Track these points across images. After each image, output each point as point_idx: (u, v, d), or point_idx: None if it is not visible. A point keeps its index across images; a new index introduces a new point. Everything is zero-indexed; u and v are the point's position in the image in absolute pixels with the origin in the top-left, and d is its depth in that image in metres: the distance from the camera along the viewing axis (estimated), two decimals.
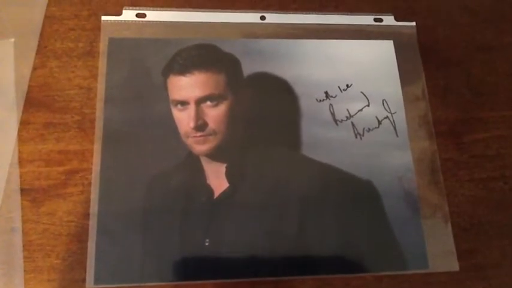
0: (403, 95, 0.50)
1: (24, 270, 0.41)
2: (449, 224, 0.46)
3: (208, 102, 0.45)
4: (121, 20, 0.50)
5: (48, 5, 0.51)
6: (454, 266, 0.44)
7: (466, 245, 0.46)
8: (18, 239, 0.42)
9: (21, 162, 0.45)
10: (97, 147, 0.45)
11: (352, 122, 0.49)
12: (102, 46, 0.49)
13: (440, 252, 0.45)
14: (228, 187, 0.45)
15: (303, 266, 0.43)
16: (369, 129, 0.49)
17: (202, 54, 0.48)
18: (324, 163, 0.46)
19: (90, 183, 0.44)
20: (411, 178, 0.47)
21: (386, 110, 0.50)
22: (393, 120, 0.49)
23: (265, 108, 0.48)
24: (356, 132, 0.48)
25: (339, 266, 0.43)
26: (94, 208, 0.43)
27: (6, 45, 0.48)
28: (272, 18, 0.52)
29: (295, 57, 0.50)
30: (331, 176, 0.46)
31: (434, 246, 0.45)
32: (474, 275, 0.45)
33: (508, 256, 0.46)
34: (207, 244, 0.43)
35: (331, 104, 0.49)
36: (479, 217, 0.47)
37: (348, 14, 0.54)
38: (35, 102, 0.47)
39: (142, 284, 0.42)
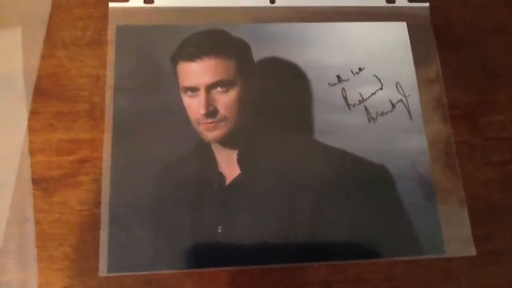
0: (417, 78, 0.49)
1: (38, 260, 0.41)
2: (465, 209, 0.45)
3: (219, 88, 0.45)
4: (129, 7, 0.50)
5: None
6: (471, 250, 0.44)
7: (482, 229, 0.45)
8: (31, 229, 0.42)
9: (32, 152, 0.45)
10: (107, 136, 0.45)
11: (365, 106, 0.48)
12: (110, 34, 0.49)
13: (457, 237, 0.44)
14: (240, 174, 0.44)
15: (316, 252, 0.43)
16: (383, 113, 0.48)
17: (212, 40, 0.47)
18: (336, 148, 0.46)
19: (101, 172, 0.44)
20: (426, 162, 0.46)
21: (400, 93, 0.49)
22: (407, 104, 0.48)
23: (277, 93, 0.47)
24: (369, 116, 0.47)
25: (353, 251, 0.43)
26: (105, 197, 0.43)
27: (14, 34, 0.48)
28: (281, 1, 0.51)
29: (305, 41, 0.50)
30: (345, 161, 0.46)
31: (450, 231, 0.44)
32: (491, 260, 0.44)
33: None
34: (219, 231, 0.43)
35: (343, 88, 0.48)
36: (496, 201, 0.46)
37: None
38: (44, 91, 0.47)
39: (155, 272, 0.41)
